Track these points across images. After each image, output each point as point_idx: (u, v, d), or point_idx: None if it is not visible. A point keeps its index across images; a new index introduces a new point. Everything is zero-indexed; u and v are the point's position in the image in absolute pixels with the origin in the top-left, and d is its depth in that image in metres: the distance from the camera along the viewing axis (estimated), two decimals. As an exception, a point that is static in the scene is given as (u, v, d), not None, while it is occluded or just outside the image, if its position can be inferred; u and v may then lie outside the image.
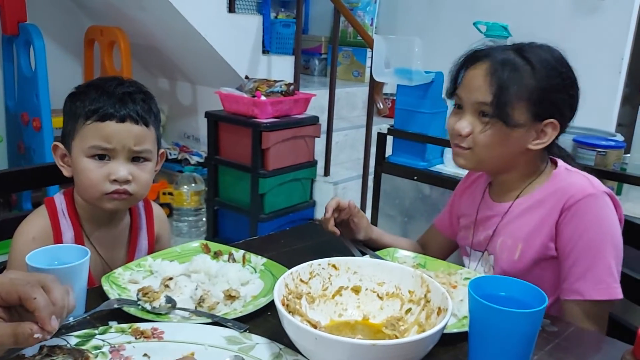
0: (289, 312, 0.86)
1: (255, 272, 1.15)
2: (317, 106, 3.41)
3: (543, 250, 1.20)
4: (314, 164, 3.29)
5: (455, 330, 0.93)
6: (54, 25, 3.51)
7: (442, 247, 1.47)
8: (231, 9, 3.52)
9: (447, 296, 0.87)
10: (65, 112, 1.20)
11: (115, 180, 1.13)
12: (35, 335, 0.70)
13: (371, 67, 2.06)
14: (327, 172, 3.49)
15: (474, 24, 1.69)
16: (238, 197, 3.14)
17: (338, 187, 3.42)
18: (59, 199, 1.22)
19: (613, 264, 1.15)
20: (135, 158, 1.16)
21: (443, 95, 2.01)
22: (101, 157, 1.13)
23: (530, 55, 1.17)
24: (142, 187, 1.18)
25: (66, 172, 1.20)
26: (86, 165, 1.13)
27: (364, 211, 3.32)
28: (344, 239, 1.30)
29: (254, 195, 3.02)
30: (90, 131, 1.13)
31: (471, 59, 1.22)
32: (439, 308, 0.88)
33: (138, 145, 1.15)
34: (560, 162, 1.27)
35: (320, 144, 3.38)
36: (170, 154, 3.87)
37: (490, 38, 1.70)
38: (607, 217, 1.16)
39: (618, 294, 1.14)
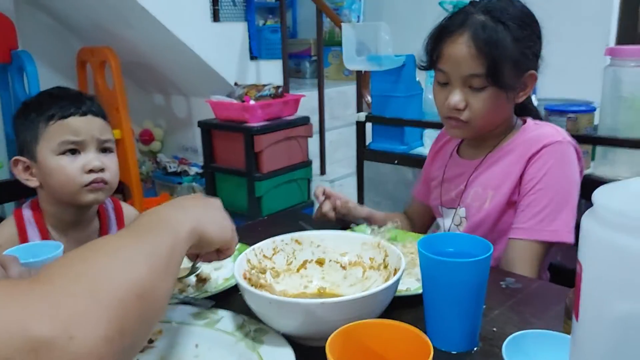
0: (251, 285, 0.89)
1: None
2: (310, 107, 3.44)
3: (509, 195, 1.21)
4: (308, 164, 3.32)
5: (420, 292, 0.95)
6: (45, 50, 3.57)
7: (425, 215, 1.49)
8: (215, 18, 3.57)
9: (402, 257, 0.89)
10: (17, 126, 1.22)
11: (91, 171, 1.17)
12: None
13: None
14: (323, 171, 3.52)
15: (440, 3, 1.71)
16: (236, 202, 3.17)
17: (334, 185, 3.44)
18: (26, 210, 1.24)
19: (569, 209, 1.16)
20: (102, 149, 1.21)
21: (418, 79, 2.04)
22: (72, 152, 1.17)
23: (500, 15, 1.16)
24: (114, 175, 1.22)
25: (32, 183, 1.21)
26: (59, 163, 1.16)
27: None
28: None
29: (250, 199, 3.06)
30: (55, 130, 1.16)
31: (446, 31, 1.19)
32: (395, 270, 0.91)
33: (103, 135, 1.20)
34: (529, 119, 1.29)
35: (315, 144, 3.40)
36: (170, 167, 3.92)
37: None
38: (570, 165, 1.19)
39: (569, 238, 1.15)
